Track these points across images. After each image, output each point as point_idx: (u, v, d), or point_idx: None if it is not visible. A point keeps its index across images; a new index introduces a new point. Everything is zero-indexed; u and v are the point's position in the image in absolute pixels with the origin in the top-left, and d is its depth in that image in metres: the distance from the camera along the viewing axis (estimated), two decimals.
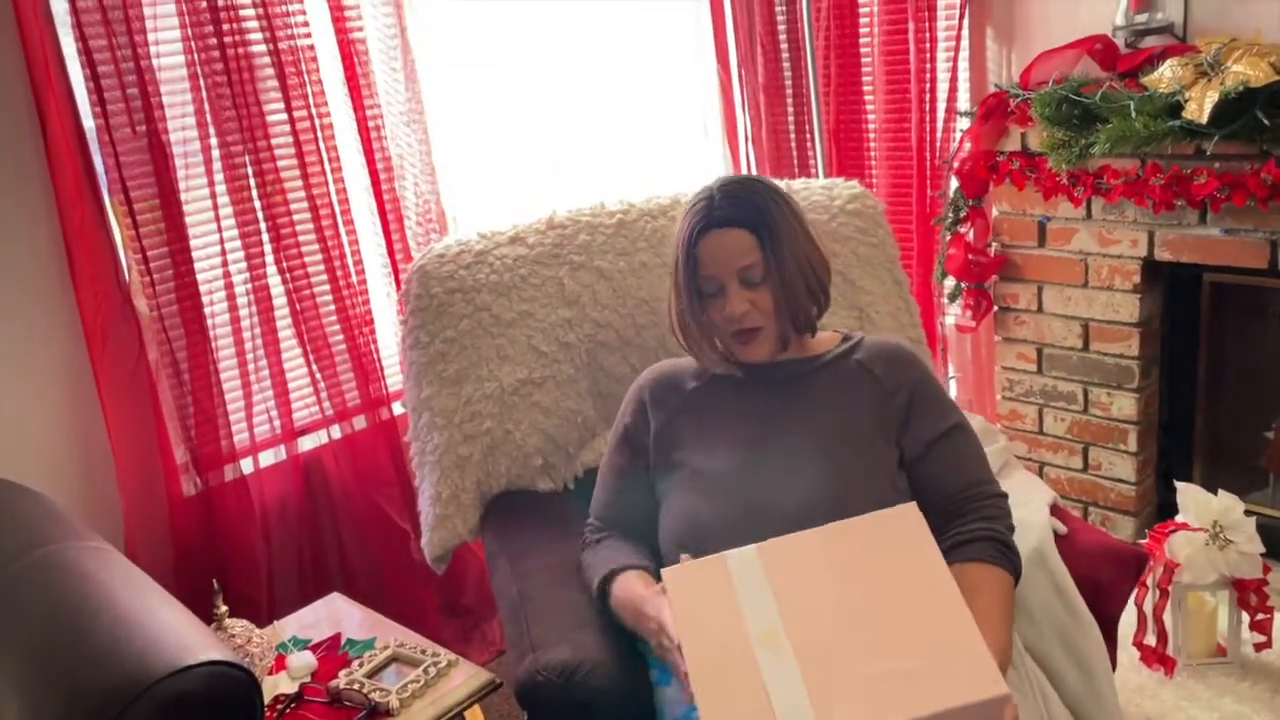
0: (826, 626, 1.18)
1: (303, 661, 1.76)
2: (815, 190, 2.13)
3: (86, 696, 1.18)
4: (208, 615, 1.72)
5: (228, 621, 1.74)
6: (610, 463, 1.65)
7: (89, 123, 1.93)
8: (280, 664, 1.78)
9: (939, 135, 2.79)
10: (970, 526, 1.42)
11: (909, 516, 1.26)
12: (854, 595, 1.21)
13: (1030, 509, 1.72)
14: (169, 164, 2.00)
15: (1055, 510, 1.75)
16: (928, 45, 2.72)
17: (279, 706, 1.66)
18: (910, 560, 1.23)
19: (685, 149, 3.02)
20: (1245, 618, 2.12)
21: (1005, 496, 1.50)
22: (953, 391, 3.05)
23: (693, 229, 1.47)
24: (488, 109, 2.58)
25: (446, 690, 1.70)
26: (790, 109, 3.00)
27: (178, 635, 1.28)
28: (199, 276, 2.07)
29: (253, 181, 2.11)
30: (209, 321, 2.10)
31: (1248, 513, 2.11)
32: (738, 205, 1.47)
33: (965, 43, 2.72)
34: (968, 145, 2.62)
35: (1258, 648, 2.14)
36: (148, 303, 2.02)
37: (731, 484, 1.46)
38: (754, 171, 3.05)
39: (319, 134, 2.18)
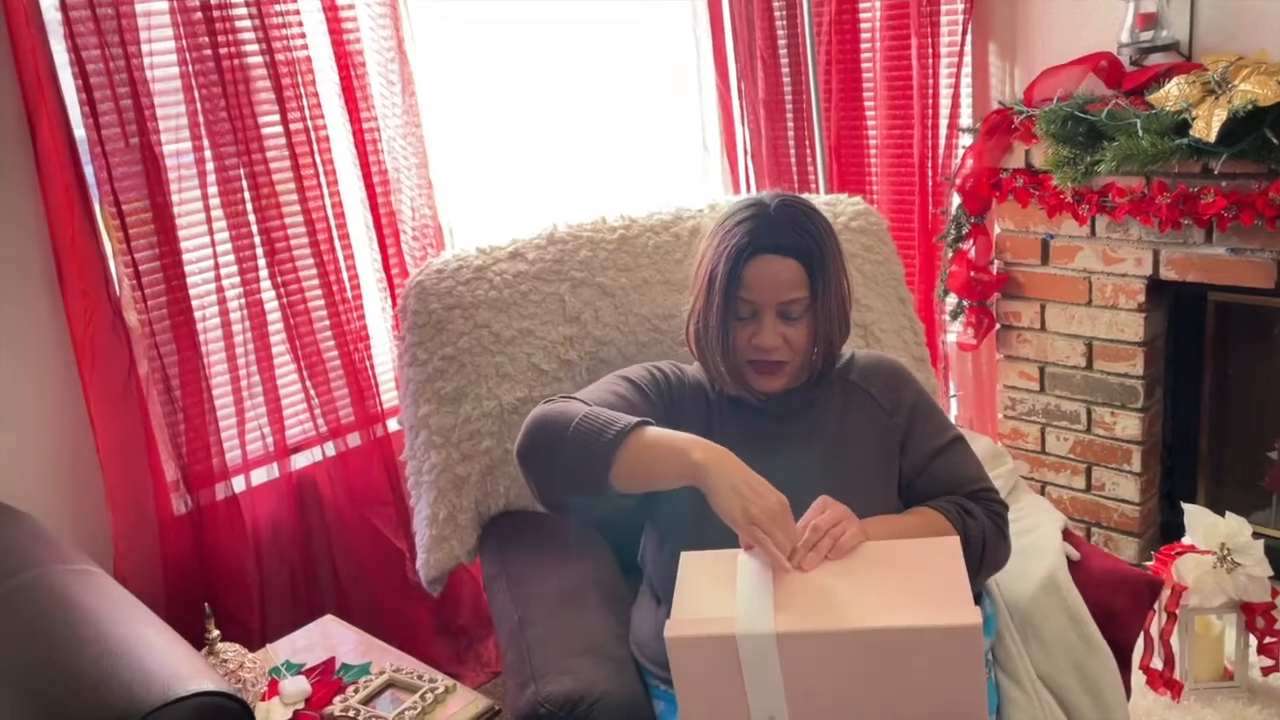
0: None
1: (297, 687, 1.72)
2: (819, 206, 2.09)
3: None
4: (199, 638, 1.68)
5: (220, 646, 1.69)
6: (613, 388, 1.49)
7: (80, 132, 1.89)
8: (273, 689, 1.73)
9: (941, 151, 2.76)
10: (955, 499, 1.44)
11: (969, 635, 1.14)
12: (869, 706, 1.17)
13: (1041, 534, 1.70)
14: (162, 175, 1.96)
15: (1066, 535, 1.72)
16: (930, 60, 2.70)
17: None
18: (950, 681, 1.16)
19: (684, 163, 3.00)
20: (1253, 641, 2.10)
21: (1007, 506, 1.49)
22: (954, 410, 3.02)
23: (742, 248, 1.39)
24: (486, 122, 2.55)
25: (444, 717, 1.65)
26: (790, 123, 2.98)
27: (167, 664, 1.24)
28: (191, 290, 2.03)
29: (247, 194, 2.07)
30: (201, 335, 2.05)
31: (1254, 534, 2.08)
32: (796, 234, 1.39)
33: (968, 58, 2.70)
34: (970, 162, 2.60)
35: (1265, 671, 2.12)
36: (139, 316, 1.98)
37: None
38: (754, 185, 3.02)
39: (315, 146, 2.14)
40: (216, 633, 1.69)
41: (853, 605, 1.18)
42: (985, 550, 1.42)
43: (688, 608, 1.19)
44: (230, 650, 1.69)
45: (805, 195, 1.79)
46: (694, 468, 1.27)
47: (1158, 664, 2.11)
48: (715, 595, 1.20)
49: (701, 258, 1.46)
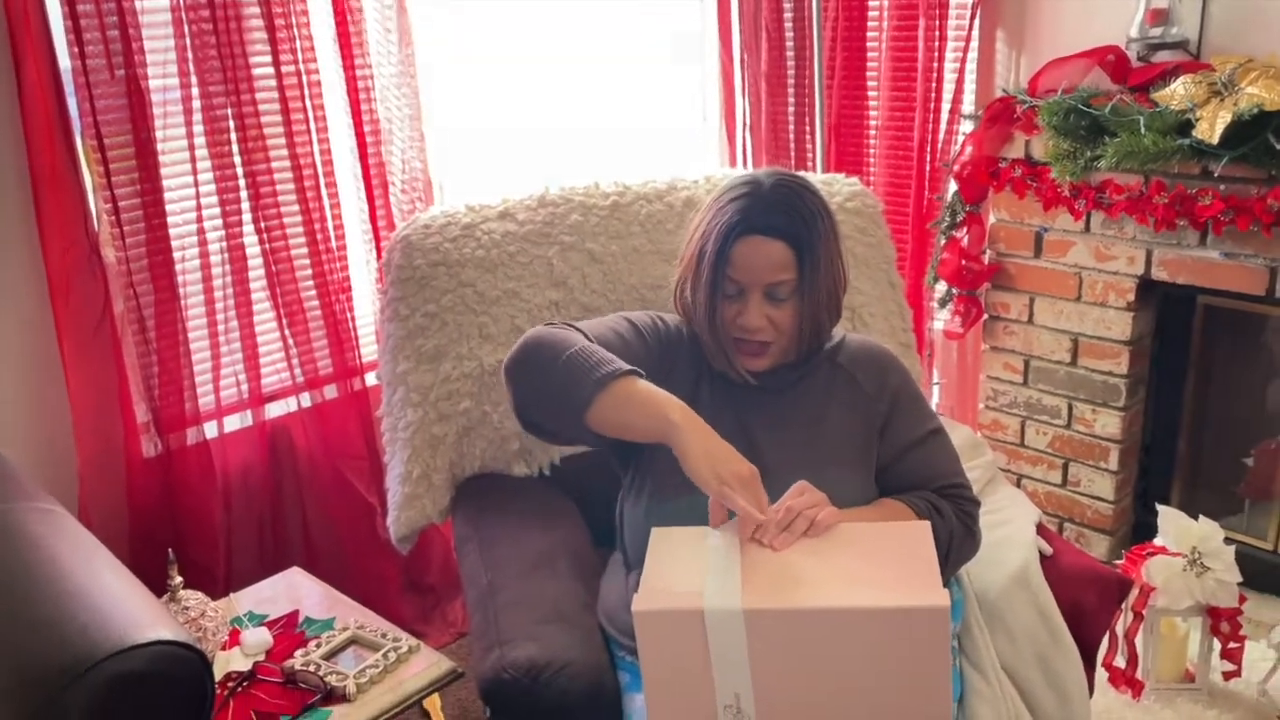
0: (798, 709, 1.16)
1: (258, 638, 1.70)
2: (815, 185, 2.07)
3: (25, 674, 1.12)
4: (162, 584, 1.66)
5: (181, 593, 1.67)
6: (615, 326, 1.48)
7: (65, 63, 1.84)
8: (234, 639, 1.72)
9: (941, 136, 2.74)
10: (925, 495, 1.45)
11: (936, 616, 1.13)
12: (834, 687, 1.16)
13: (1015, 527, 1.69)
14: (146, 110, 1.91)
15: (1040, 530, 1.71)
16: (937, 44, 2.67)
17: (230, 685, 1.60)
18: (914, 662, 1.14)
19: (682, 133, 2.96)
20: (1217, 645, 2.11)
21: (978, 504, 1.50)
22: (935, 398, 3.02)
23: (732, 226, 1.37)
24: (482, 79, 2.51)
25: (406, 677, 1.64)
26: (791, 99, 2.94)
27: (126, 610, 1.22)
28: (171, 229, 1.99)
29: (234, 135, 2.03)
30: (179, 277, 2.02)
31: (1225, 540, 2.09)
32: (788, 215, 1.38)
33: (975, 44, 2.67)
34: (970, 149, 2.58)
35: (1227, 676, 2.13)
36: (116, 253, 1.94)
37: None
38: (750, 160, 2.99)
39: (306, 91, 2.10)
40: (179, 579, 1.67)
41: (822, 584, 1.17)
42: (951, 549, 1.42)
43: (657, 582, 1.18)
44: (192, 598, 1.67)
45: (804, 174, 1.78)
46: (670, 426, 1.28)
47: (1120, 662, 2.12)
48: (684, 570, 1.19)
49: (694, 231, 1.45)
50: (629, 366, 1.34)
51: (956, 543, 1.44)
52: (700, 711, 1.16)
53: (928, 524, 1.27)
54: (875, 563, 1.20)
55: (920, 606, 1.11)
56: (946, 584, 1.53)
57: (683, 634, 1.14)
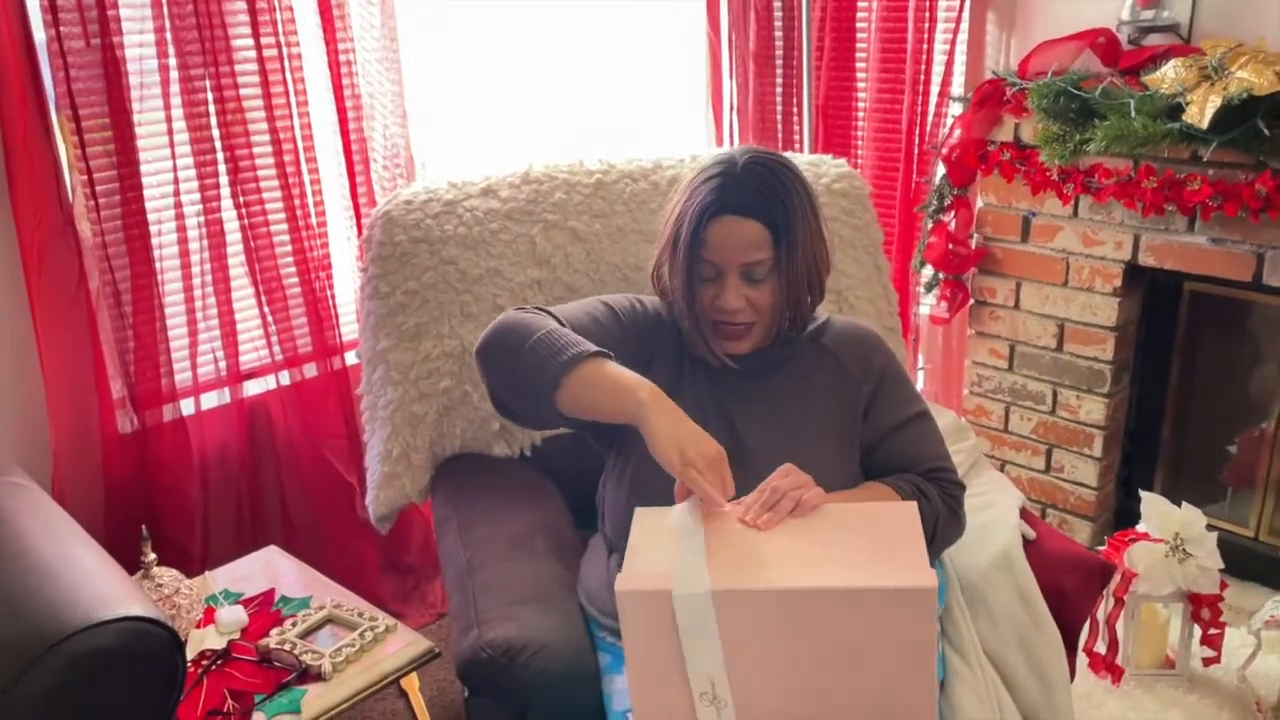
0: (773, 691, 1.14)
1: (233, 616, 1.68)
2: (801, 166, 2.02)
3: None
4: (136, 562, 1.63)
5: (155, 570, 1.65)
6: (590, 310, 1.47)
7: (40, 34, 1.80)
8: (209, 617, 1.70)
9: (930, 119, 2.72)
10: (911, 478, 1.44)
11: (922, 597, 1.11)
12: (816, 673, 1.15)
13: (999, 511, 1.69)
14: (123, 82, 1.88)
15: (1023, 514, 1.71)
16: (926, 25, 2.64)
17: (204, 663, 1.58)
18: (894, 639, 1.13)
19: (668, 111, 2.93)
20: (1197, 632, 2.11)
21: (963, 487, 1.49)
22: (920, 383, 3.01)
23: (705, 208, 1.35)
24: (466, 54, 2.48)
25: (383, 656, 1.63)
26: (779, 79, 2.91)
27: (95, 586, 1.20)
28: (148, 204, 1.96)
29: (212, 108, 2.00)
30: (156, 252, 1.99)
31: (1208, 527, 2.09)
32: (761, 194, 1.35)
33: (965, 25, 2.65)
34: (958, 132, 2.56)
35: (1206, 662, 2.13)
36: (91, 227, 1.91)
37: None
38: (736, 141, 2.96)
39: (286, 64, 2.06)
40: (153, 556, 1.65)
41: (803, 565, 1.15)
42: (936, 532, 1.42)
43: (639, 561, 1.17)
44: (166, 575, 1.65)
45: (787, 153, 1.76)
46: (637, 405, 1.26)
47: (1101, 648, 2.11)
48: (668, 550, 1.17)
49: (669, 215, 1.43)
50: (596, 348, 1.33)
51: (942, 525, 1.43)
52: (678, 695, 1.15)
53: (914, 505, 1.26)
54: (861, 543, 1.18)
55: (907, 587, 1.09)
56: (933, 563, 1.53)
57: (659, 615, 1.13)
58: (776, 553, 1.17)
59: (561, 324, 1.39)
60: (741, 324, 1.41)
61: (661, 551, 1.18)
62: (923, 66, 2.68)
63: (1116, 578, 2.09)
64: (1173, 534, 2.07)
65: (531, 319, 1.38)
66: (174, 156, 1.98)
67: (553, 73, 2.62)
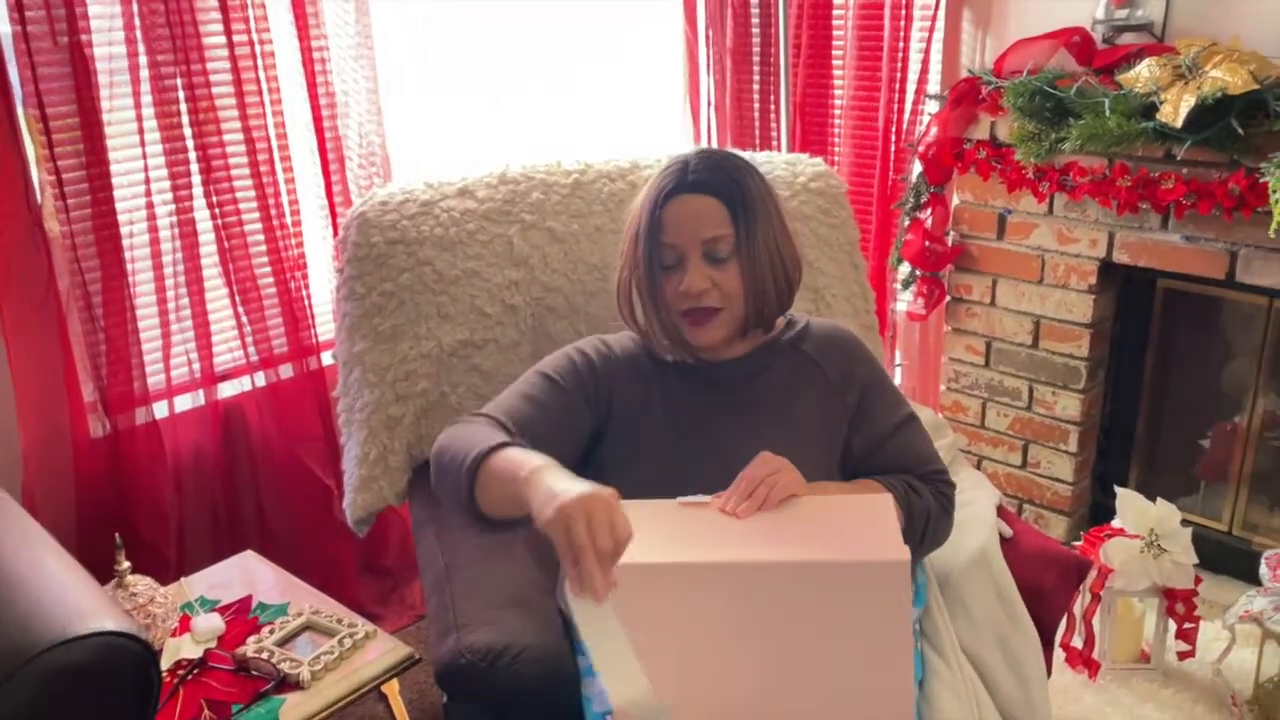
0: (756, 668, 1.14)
1: (209, 625, 1.66)
2: (778, 165, 2.05)
3: None
4: (109, 571, 1.61)
5: (129, 579, 1.63)
6: (524, 390, 1.44)
7: (5, 29, 1.77)
8: (185, 626, 1.68)
9: (906, 117, 2.72)
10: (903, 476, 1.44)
11: (894, 570, 1.11)
12: (781, 657, 1.15)
13: (976, 509, 1.69)
14: (91, 79, 1.85)
15: (1000, 512, 1.71)
16: (903, 23, 2.64)
17: (180, 673, 1.56)
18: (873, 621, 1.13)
19: (645, 109, 2.92)
20: (1172, 626, 2.13)
21: (954, 486, 1.49)
22: (898, 379, 3.02)
23: (661, 190, 1.37)
24: (441, 52, 2.45)
25: (362, 664, 1.61)
26: (757, 76, 2.90)
27: (68, 599, 1.18)
28: (119, 203, 1.94)
29: (184, 106, 1.97)
30: (127, 252, 1.96)
31: (1182, 522, 2.11)
32: (714, 172, 1.38)
33: (941, 23, 2.65)
34: (935, 130, 2.56)
35: (1181, 656, 2.15)
36: (60, 227, 1.88)
37: (679, 486, 1.37)
38: (714, 140, 2.96)
39: (259, 61, 2.04)
40: (127, 564, 1.63)
41: (770, 544, 1.15)
42: (928, 527, 1.41)
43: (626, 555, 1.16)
44: (141, 584, 1.63)
45: (765, 153, 1.76)
46: (519, 486, 1.18)
47: (1078, 643, 2.13)
48: (651, 547, 1.16)
49: (628, 223, 1.45)
50: (488, 445, 1.27)
51: (933, 521, 1.43)
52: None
53: (889, 496, 1.26)
54: (834, 525, 1.18)
55: (875, 560, 1.09)
56: (917, 563, 1.53)
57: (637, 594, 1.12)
58: (745, 533, 1.17)
59: (494, 422, 1.37)
60: (708, 308, 1.40)
61: (647, 548, 1.16)
62: (899, 64, 2.68)
63: (1093, 573, 2.10)
64: (1148, 529, 2.09)
65: (448, 438, 1.37)
66: (145, 155, 1.95)
67: (529, 70, 2.60)
